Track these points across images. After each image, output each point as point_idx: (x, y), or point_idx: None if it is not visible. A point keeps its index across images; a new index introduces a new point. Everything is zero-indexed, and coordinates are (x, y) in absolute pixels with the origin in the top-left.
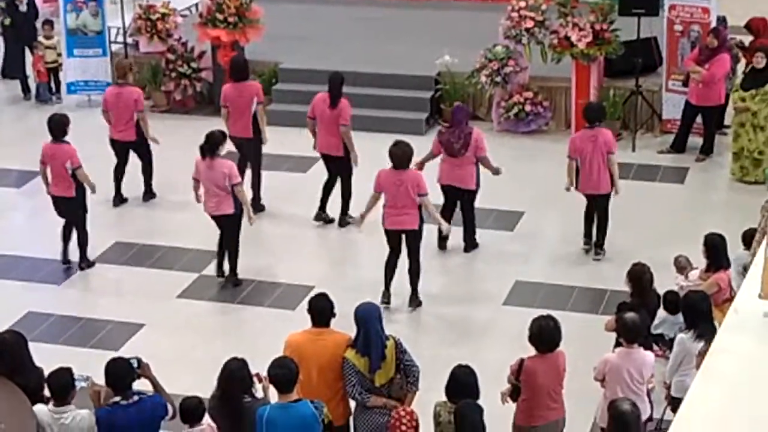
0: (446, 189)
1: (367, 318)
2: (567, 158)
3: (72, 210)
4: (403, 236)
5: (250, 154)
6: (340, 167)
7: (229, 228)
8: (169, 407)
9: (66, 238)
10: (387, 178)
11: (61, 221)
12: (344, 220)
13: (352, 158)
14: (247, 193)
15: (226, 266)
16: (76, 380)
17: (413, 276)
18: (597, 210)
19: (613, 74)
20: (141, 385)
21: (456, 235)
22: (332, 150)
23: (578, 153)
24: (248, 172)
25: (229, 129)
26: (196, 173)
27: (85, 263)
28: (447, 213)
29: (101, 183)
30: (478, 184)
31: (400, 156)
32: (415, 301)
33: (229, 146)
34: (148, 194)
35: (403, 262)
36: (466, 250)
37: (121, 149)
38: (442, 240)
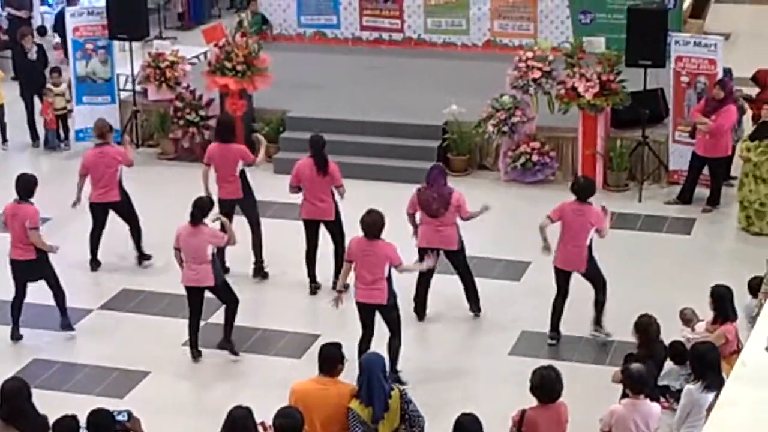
0: (424, 251)
1: (370, 368)
2: (546, 218)
3: (39, 270)
4: (376, 311)
5: (247, 214)
6: (334, 231)
7: (219, 296)
8: None
9: (17, 310)
10: (357, 247)
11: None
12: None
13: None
14: (248, 256)
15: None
16: (81, 428)
17: (392, 353)
18: (593, 286)
19: (620, 125)
20: None
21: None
22: (326, 215)
23: (560, 218)
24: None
25: (218, 192)
26: (177, 242)
27: (67, 323)
28: (426, 279)
29: (110, 229)
30: (461, 245)
31: (370, 224)
32: (392, 376)
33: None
34: (142, 257)
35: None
36: (474, 310)
37: (101, 212)
38: (419, 306)
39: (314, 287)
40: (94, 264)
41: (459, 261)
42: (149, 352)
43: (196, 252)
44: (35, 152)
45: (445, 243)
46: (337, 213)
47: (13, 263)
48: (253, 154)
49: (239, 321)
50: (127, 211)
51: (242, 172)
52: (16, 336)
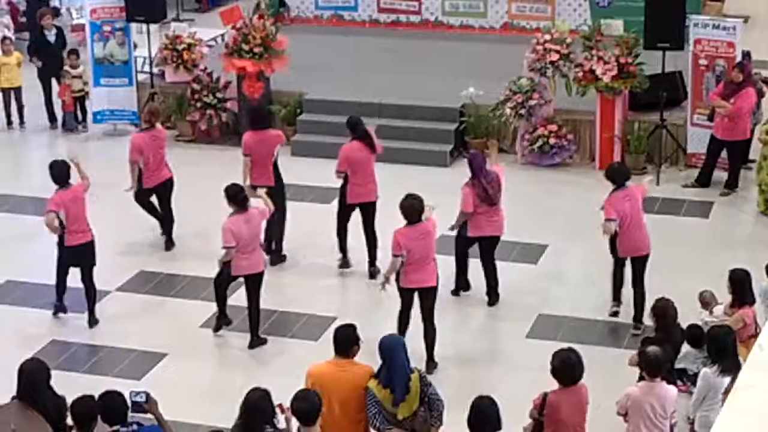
0: (476, 240)
1: (392, 350)
2: (608, 222)
3: (91, 255)
4: (418, 294)
5: (275, 202)
6: (372, 212)
7: (258, 285)
8: None
9: (64, 287)
10: (408, 236)
11: None
12: (375, 272)
13: None
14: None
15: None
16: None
17: (429, 341)
18: (636, 275)
19: (638, 108)
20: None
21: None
22: (372, 196)
23: (618, 214)
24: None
25: (252, 179)
26: (233, 237)
27: (94, 320)
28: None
29: (127, 211)
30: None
31: (417, 208)
32: (431, 365)
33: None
34: (171, 243)
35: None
36: (491, 303)
37: (150, 194)
38: (462, 279)
39: (345, 261)
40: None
41: (494, 249)
42: (166, 334)
43: (255, 238)
44: (53, 134)
45: (501, 228)
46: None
47: (73, 250)
48: None
49: None
50: (171, 191)
51: (275, 161)
52: (61, 309)
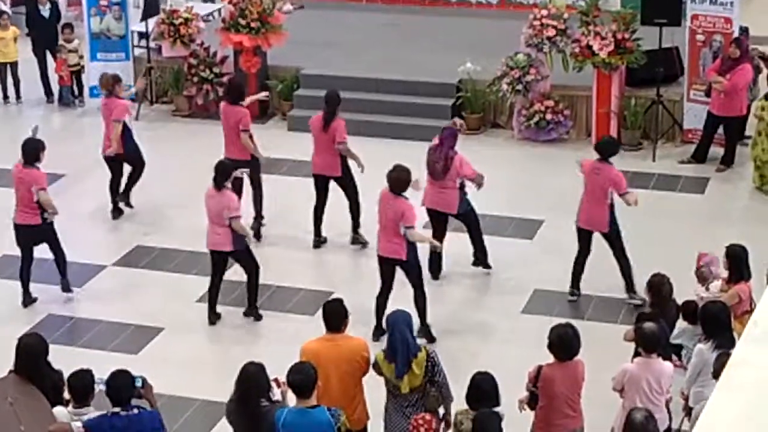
0: (430, 213)
1: (393, 325)
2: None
3: (40, 237)
4: (397, 267)
5: (252, 175)
6: (342, 186)
7: (241, 261)
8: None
9: (26, 275)
10: (382, 200)
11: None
12: (357, 238)
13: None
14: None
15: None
16: (95, 382)
17: (419, 308)
18: (613, 251)
19: (635, 83)
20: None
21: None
22: (330, 170)
23: (583, 172)
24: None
25: (224, 151)
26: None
27: (67, 283)
28: (437, 237)
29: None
30: (468, 208)
31: (394, 180)
32: (423, 329)
33: None
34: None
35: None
36: (482, 265)
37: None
38: (433, 267)
39: (317, 241)
40: (116, 213)
41: (473, 222)
42: (163, 309)
43: (218, 216)
44: (49, 108)
45: (445, 206)
46: (346, 168)
47: (18, 228)
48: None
49: None
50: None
51: (251, 135)
52: (27, 301)
